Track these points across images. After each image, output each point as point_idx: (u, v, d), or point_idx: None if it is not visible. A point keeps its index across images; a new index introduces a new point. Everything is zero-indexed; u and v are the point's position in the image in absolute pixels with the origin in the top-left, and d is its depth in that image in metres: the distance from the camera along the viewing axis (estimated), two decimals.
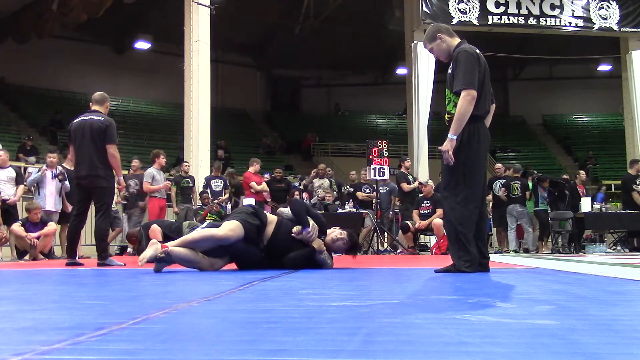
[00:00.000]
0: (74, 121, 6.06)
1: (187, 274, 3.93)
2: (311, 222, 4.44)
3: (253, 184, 11.11)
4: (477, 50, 3.91)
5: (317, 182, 11.62)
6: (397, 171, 11.45)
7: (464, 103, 3.72)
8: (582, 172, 12.97)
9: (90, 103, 6.16)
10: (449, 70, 3.93)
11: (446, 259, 4.27)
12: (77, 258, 6.34)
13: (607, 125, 25.34)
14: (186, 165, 11.35)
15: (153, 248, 4.00)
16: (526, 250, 10.88)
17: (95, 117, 5.93)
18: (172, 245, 4.10)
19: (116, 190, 7.52)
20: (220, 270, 4.29)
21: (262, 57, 25.07)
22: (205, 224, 4.60)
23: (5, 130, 18.29)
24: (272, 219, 4.50)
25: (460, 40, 4.02)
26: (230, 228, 4.16)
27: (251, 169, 11.34)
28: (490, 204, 10.86)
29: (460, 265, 3.73)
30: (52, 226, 8.58)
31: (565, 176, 11.83)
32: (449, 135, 3.75)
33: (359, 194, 11.39)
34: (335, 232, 4.60)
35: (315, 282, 3.22)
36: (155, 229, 6.70)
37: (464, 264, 3.71)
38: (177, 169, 13.40)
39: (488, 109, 3.96)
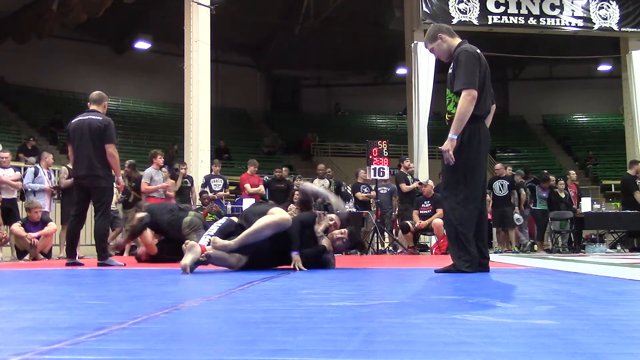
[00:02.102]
0: (73, 121, 6.06)
1: (186, 274, 3.92)
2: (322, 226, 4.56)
3: (247, 186, 11.11)
4: (478, 50, 3.91)
5: (317, 182, 11.60)
6: (397, 171, 11.45)
7: (465, 103, 3.72)
8: (572, 172, 12.91)
9: (88, 103, 6.16)
10: (450, 70, 3.93)
11: (446, 259, 4.26)
12: (76, 258, 6.34)
13: (607, 125, 25.33)
14: (184, 166, 11.32)
15: (193, 252, 3.98)
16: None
17: (94, 117, 5.93)
18: (235, 242, 4.10)
19: (115, 190, 7.52)
20: (223, 270, 4.29)
21: (262, 57, 25.06)
22: (219, 223, 4.53)
23: (5, 130, 18.28)
24: None
25: (461, 40, 4.02)
26: (285, 214, 4.28)
27: (248, 171, 11.37)
28: (490, 204, 10.88)
29: (460, 265, 3.73)
30: (52, 226, 8.58)
31: (552, 177, 11.79)
32: (450, 135, 3.75)
33: (359, 194, 11.39)
34: (335, 231, 4.61)
35: (315, 282, 3.22)
36: (147, 235, 6.59)
37: (464, 264, 3.71)
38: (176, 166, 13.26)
39: (488, 109, 3.96)
